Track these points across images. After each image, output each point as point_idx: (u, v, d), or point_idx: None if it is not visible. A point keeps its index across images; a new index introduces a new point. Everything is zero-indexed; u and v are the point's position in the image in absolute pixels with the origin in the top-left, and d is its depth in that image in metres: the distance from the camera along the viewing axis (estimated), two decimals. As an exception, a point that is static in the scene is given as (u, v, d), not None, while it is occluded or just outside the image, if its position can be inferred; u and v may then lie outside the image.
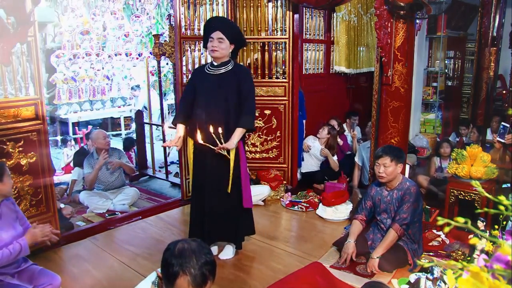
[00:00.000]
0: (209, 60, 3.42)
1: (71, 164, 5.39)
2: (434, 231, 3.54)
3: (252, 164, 4.55)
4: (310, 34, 5.08)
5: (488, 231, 2.45)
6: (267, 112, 4.48)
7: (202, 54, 4.29)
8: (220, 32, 2.86)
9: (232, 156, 2.89)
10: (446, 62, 7.29)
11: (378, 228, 3.10)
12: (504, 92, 6.79)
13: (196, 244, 1.45)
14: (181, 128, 3.02)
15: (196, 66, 4.25)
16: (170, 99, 8.80)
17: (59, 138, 7.20)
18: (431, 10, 3.29)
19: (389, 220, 2.99)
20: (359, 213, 3.14)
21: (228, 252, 3.15)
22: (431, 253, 3.16)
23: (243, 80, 2.93)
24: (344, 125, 5.55)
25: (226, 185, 2.93)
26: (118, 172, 4.43)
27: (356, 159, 4.57)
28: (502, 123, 3.83)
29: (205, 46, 3.02)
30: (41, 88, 3.12)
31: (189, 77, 3.15)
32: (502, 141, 3.75)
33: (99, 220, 3.93)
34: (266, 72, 4.45)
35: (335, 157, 4.81)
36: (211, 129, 2.68)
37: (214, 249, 3.16)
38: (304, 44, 4.97)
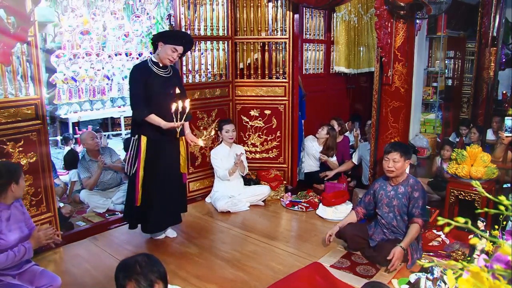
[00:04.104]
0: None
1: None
2: (434, 231, 3.54)
3: (252, 164, 4.55)
4: (310, 34, 5.09)
5: (488, 231, 2.45)
6: (267, 112, 4.49)
7: (202, 54, 4.29)
8: (183, 49, 3.22)
9: (183, 139, 3.35)
10: (446, 62, 7.29)
11: (379, 224, 3.13)
12: (504, 92, 6.80)
13: (141, 257, 1.58)
14: (155, 115, 3.10)
15: (196, 66, 4.26)
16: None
17: (59, 138, 7.20)
18: (431, 10, 3.28)
19: (391, 214, 3.04)
20: (358, 205, 3.28)
21: (173, 232, 3.55)
22: (431, 253, 3.16)
23: (179, 79, 3.47)
24: (346, 125, 5.54)
25: (179, 167, 3.36)
26: (112, 171, 4.42)
27: (354, 159, 4.58)
28: (507, 117, 3.88)
29: (163, 41, 3.13)
30: (41, 88, 3.11)
31: (137, 74, 3.16)
32: (511, 135, 3.82)
33: (99, 220, 3.93)
34: (266, 72, 4.46)
35: (334, 158, 4.80)
36: (174, 106, 2.90)
37: (171, 232, 3.53)
38: (304, 44, 4.98)
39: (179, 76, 3.49)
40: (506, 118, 3.87)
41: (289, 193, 4.40)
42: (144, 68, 3.19)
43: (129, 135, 7.19)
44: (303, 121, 4.82)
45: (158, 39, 3.18)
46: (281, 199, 4.34)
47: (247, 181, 4.42)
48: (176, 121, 2.96)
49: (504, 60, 6.86)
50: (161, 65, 3.20)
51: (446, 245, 3.31)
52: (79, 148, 6.30)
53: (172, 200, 3.37)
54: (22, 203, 2.43)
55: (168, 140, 3.21)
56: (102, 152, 4.38)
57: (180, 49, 3.16)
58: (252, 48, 4.44)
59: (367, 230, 3.15)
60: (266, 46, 4.50)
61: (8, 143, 2.92)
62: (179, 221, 3.53)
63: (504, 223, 2.31)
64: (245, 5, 4.36)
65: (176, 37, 3.21)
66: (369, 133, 4.56)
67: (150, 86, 3.14)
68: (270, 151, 4.58)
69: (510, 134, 3.83)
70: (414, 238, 2.91)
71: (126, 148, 5.73)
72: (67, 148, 5.93)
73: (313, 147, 4.83)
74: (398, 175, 3.02)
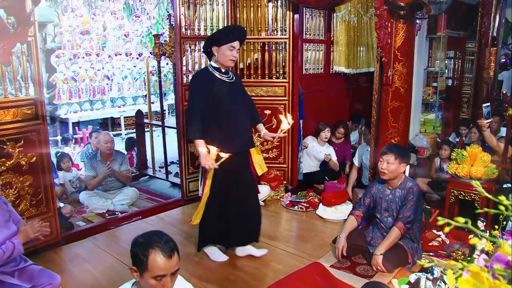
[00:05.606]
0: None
1: (75, 162, 5.39)
2: (434, 231, 3.54)
3: (252, 164, 4.55)
4: (310, 34, 5.08)
5: (488, 231, 2.45)
6: (267, 112, 4.48)
7: (202, 54, 4.28)
8: (239, 44, 2.97)
9: (257, 155, 3.15)
10: (446, 62, 7.29)
11: (378, 227, 3.10)
12: (504, 92, 6.81)
13: (154, 232, 1.68)
14: (204, 143, 2.82)
15: (196, 66, 4.26)
16: (170, 99, 8.82)
17: (59, 138, 7.20)
18: (431, 10, 3.28)
19: (390, 218, 3.00)
20: (356, 209, 3.17)
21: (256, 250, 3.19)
22: (431, 253, 3.16)
23: (242, 85, 3.24)
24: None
25: (253, 185, 3.13)
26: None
27: (355, 161, 4.57)
28: (484, 104, 3.93)
29: (216, 44, 2.90)
30: (41, 88, 3.11)
31: (197, 84, 2.94)
32: (489, 120, 3.93)
33: (99, 220, 3.93)
34: (266, 72, 4.45)
35: (335, 158, 4.81)
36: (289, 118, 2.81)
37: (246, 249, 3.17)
38: (304, 44, 4.97)
39: (241, 82, 3.24)
40: (483, 105, 3.91)
41: (289, 193, 4.40)
42: (206, 75, 2.94)
43: (129, 135, 7.24)
44: (301, 121, 4.81)
45: (210, 45, 2.93)
46: (281, 199, 4.34)
47: (247, 181, 4.41)
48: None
49: (504, 61, 6.87)
50: (223, 70, 2.96)
51: (446, 245, 3.31)
52: (79, 148, 6.31)
53: (250, 215, 3.10)
54: (6, 201, 2.41)
55: (236, 155, 2.84)
56: (114, 158, 4.35)
57: (236, 44, 2.89)
58: (252, 48, 4.44)
59: (365, 236, 3.10)
60: (266, 46, 4.50)
61: (8, 143, 2.92)
62: (256, 238, 3.21)
63: (504, 223, 2.31)
64: (245, 5, 4.36)
65: (228, 34, 2.94)
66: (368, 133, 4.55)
67: (215, 94, 2.89)
68: (270, 151, 4.58)
69: (489, 120, 3.89)
70: (393, 243, 2.85)
71: (127, 148, 5.75)
72: (67, 149, 5.94)
73: (313, 147, 4.83)
74: (392, 178, 2.95)
